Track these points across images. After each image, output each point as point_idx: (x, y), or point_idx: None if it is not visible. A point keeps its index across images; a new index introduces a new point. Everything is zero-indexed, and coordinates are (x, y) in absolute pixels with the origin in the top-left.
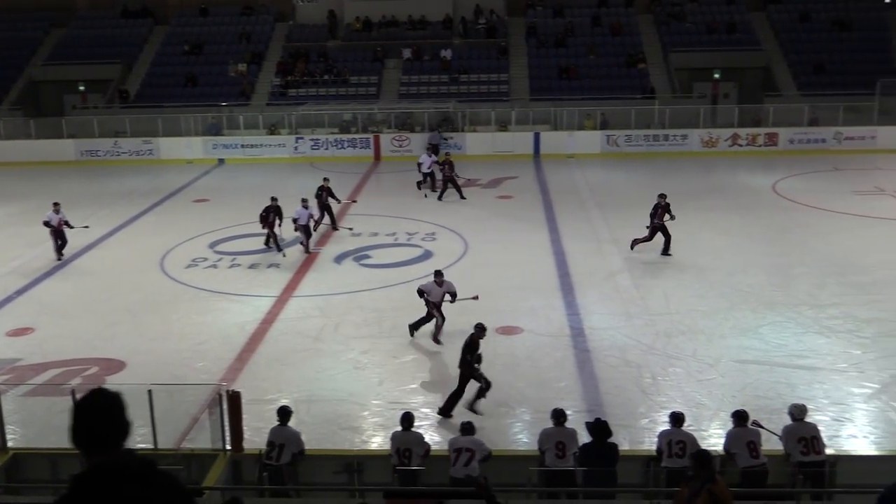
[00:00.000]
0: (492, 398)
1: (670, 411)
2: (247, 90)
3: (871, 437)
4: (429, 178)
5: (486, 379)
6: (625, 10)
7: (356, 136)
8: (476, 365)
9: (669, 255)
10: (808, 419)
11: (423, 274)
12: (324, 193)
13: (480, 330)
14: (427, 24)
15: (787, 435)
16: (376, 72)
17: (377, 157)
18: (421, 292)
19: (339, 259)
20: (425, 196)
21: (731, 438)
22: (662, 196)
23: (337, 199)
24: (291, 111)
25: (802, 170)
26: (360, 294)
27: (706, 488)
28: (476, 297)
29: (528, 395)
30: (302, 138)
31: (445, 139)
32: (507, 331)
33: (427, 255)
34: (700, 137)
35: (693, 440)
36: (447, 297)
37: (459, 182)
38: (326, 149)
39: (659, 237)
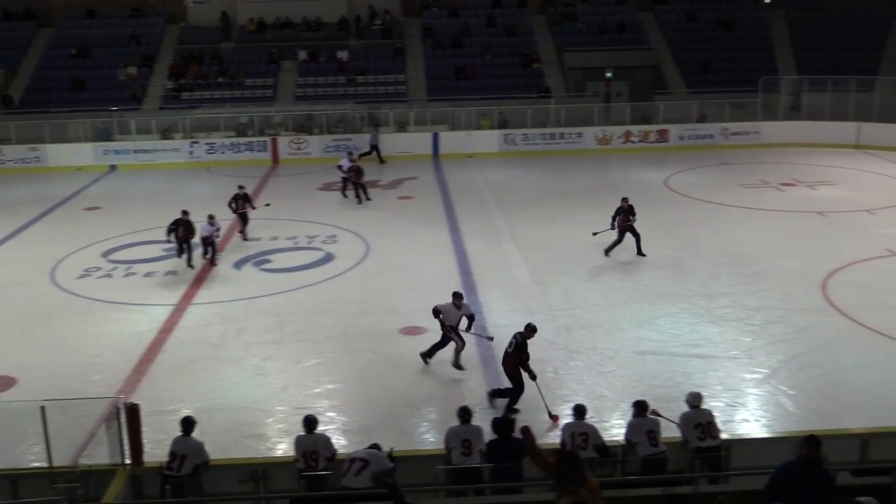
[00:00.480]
0: (398, 399)
1: (573, 404)
2: (138, 94)
3: (763, 420)
4: (348, 182)
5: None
6: (518, 10)
7: (253, 139)
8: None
9: (644, 255)
10: (703, 406)
11: (325, 277)
12: (239, 202)
13: (530, 331)
14: (322, 25)
15: (684, 422)
16: (272, 74)
17: (275, 160)
18: (437, 312)
19: (239, 265)
20: (359, 202)
21: (631, 428)
22: (625, 200)
23: (253, 206)
24: (185, 115)
25: (692, 165)
26: (261, 299)
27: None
28: (491, 339)
29: (434, 394)
30: (197, 142)
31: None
32: (412, 331)
33: (328, 257)
34: (595, 135)
35: (595, 431)
36: (464, 321)
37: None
38: (223, 153)
39: (630, 239)
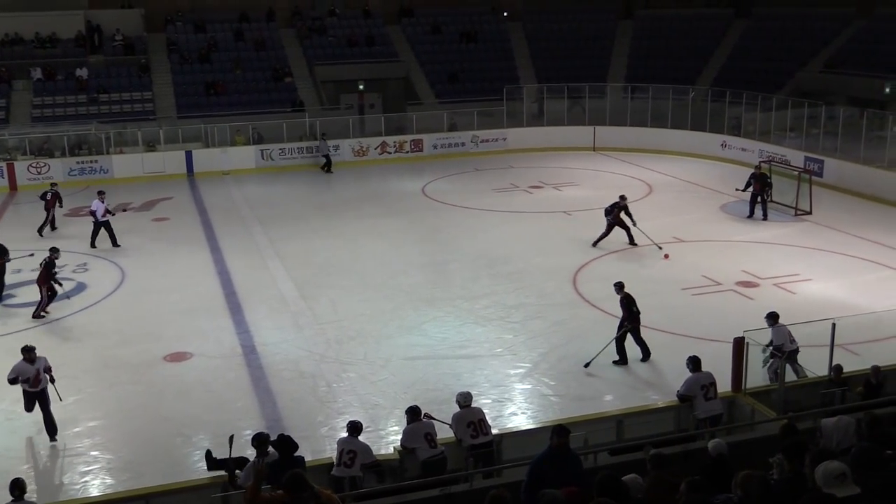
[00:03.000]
0: (167, 429)
1: (348, 419)
2: None
3: (529, 412)
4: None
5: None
6: (266, 24)
7: None
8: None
9: (635, 244)
10: (474, 404)
11: (77, 308)
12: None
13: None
14: (58, 42)
15: (456, 422)
16: (3, 94)
17: (13, 186)
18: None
19: None
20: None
21: (407, 434)
22: (623, 197)
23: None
24: None
25: (447, 172)
26: (6, 338)
27: None
28: None
29: (206, 420)
30: None
31: (335, 147)
32: (176, 357)
33: (80, 287)
34: (351, 147)
35: (365, 449)
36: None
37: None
38: None
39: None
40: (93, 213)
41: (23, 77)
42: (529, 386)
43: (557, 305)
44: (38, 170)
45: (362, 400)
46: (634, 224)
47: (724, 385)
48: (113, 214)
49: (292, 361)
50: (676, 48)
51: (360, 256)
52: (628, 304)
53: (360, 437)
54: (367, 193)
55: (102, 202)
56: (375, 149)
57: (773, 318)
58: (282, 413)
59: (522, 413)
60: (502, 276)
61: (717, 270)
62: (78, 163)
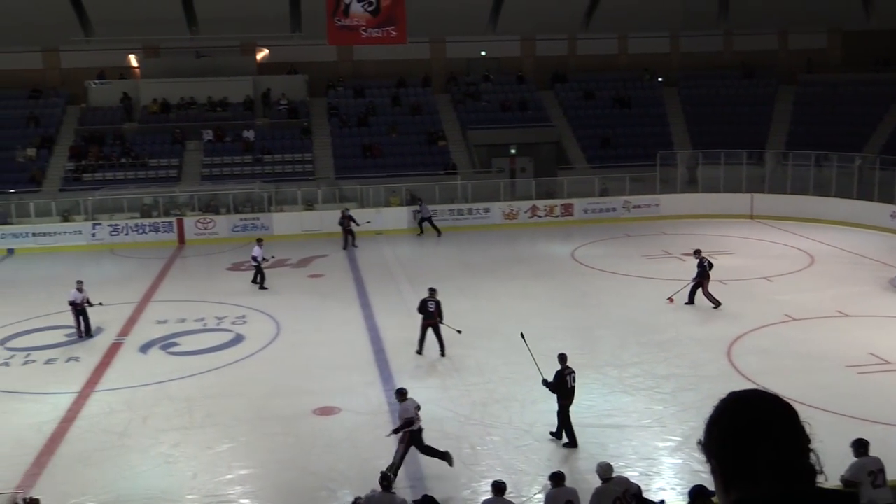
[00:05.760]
0: (315, 483)
1: (491, 480)
2: (37, 176)
3: (678, 487)
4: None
5: None
6: (423, 90)
7: (158, 220)
8: None
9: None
10: (617, 475)
11: (235, 359)
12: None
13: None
14: (228, 105)
15: (598, 497)
16: (176, 154)
17: (181, 240)
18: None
19: (145, 348)
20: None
21: (549, 500)
22: (698, 252)
23: (90, 303)
24: (87, 197)
25: (597, 237)
26: (169, 384)
27: None
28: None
29: (350, 476)
30: (100, 224)
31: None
32: (325, 412)
33: (238, 339)
34: (501, 210)
35: None
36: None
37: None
38: (127, 234)
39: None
40: (254, 258)
41: (195, 138)
42: (679, 461)
43: (711, 378)
44: (205, 225)
45: (505, 464)
46: (695, 279)
47: (894, 472)
48: (266, 260)
49: (437, 421)
50: (842, 114)
51: (506, 318)
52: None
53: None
54: (515, 256)
55: (261, 248)
56: (525, 212)
57: None
58: (424, 473)
59: (672, 489)
60: (652, 344)
61: (886, 348)
62: (241, 219)
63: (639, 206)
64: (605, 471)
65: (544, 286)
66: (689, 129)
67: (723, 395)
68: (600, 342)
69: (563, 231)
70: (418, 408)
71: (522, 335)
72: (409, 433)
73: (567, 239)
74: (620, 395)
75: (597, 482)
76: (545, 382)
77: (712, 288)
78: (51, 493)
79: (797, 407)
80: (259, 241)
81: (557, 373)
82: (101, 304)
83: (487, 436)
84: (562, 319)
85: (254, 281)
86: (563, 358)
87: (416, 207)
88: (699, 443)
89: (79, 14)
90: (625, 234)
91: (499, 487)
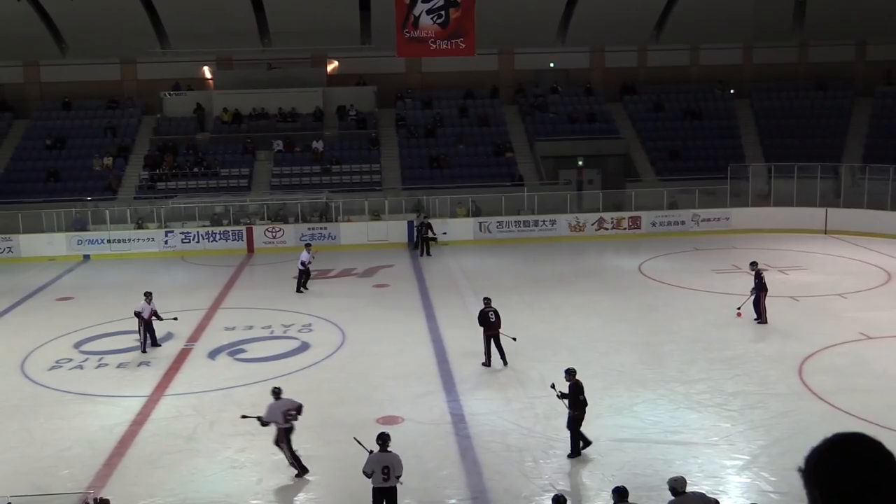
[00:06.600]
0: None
1: (553, 493)
2: (113, 184)
3: None
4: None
5: None
6: (490, 101)
7: (228, 228)
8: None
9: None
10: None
11: (301, 366)
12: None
13: None
14: (298, 116)
15: None
16: (247, 164)
17: (250, 249)
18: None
19: (213, 354)
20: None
21: None
22: (754, 264)
23: (160, 317)
24: (160, 205)
25: (665, 251)
26: (236, 389)
27: None
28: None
29: (411, 486)
30: (172, 232)
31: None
32: (388, 420)
33: (304, 346)
34: (568, 222)
35: None
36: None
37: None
38: (198, 242)
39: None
40: (302, 263)
41: (265, 148)
42: (748, 480)
43: (781, 396)
44: (274, 234)
45: (568, 478)
46: (753, 291)
47: None
48: (309, 263)
49: (500, 433)
50: None
51: (571, 331)
52: (577, 391)
53: None
54: (581, 269)
55: (308, 252)
56: (592, 224)
57: None
58: (486, 485)
59: None
60: (721, 360)
61: None
62: (309, 229)
63: (708, 220)
64: (679, 484)
65: (610, 300)
66: (761, 141)
67: (793, 413)
68: (667, 357)
69: (631, 244)
70: (299, 409)
71: (553, 385)
72: (283, 430)
73: (634, 252)
74: (687, 411)
75: (667, 498)
76: (560, 395)
77: (776, 304)
78: (120, 494)
79: (871, 429)
80: (308, 245)
81: (571, 385)
82: (175, 318)
83: (550, 449)
84: (627, 334)
85: (299, 288)
86: (571, 373)
87: (420, 220)
88: (799, 470)
89: (156, 27)
90: (693, 247)
91: (559, 502)
